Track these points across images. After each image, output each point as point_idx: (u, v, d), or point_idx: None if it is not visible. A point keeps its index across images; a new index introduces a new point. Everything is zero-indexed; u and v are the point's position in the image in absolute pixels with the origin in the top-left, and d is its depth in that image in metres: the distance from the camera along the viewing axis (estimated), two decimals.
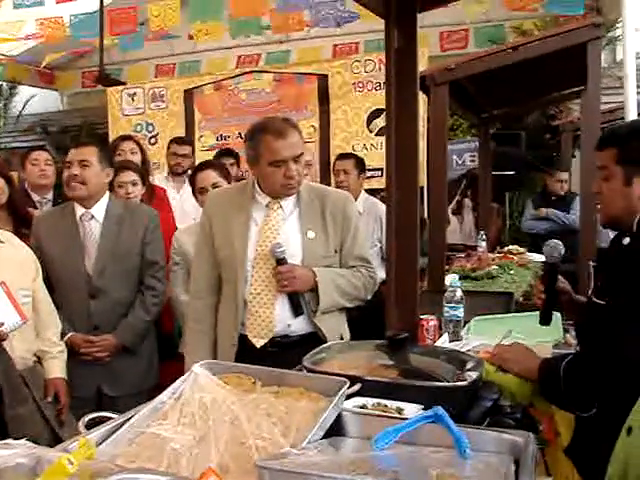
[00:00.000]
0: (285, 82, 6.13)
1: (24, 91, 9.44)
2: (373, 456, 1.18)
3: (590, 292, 1.68)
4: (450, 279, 2.56)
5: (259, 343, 2.24)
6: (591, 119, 3.32)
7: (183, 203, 3.99)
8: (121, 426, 1.28)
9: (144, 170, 3.51)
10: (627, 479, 1.13)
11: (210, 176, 2.95)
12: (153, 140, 6.52)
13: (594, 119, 3.28)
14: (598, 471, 1.24)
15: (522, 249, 4.94)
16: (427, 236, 3.71)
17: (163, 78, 7.75)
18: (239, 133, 6.05)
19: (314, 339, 2.18)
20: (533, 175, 6.95)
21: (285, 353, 2.11)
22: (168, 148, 4.41)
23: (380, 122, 5.55)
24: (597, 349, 1.53)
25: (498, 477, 1.13)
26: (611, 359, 1.47)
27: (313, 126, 5.95)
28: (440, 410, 1.26)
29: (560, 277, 1.86)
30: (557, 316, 2.05)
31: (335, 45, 7.76)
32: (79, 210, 2.73)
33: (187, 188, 3.64)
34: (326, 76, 5.92)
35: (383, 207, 3.23)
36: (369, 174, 4.89)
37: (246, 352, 2.20)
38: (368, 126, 5.77)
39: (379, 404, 1.40)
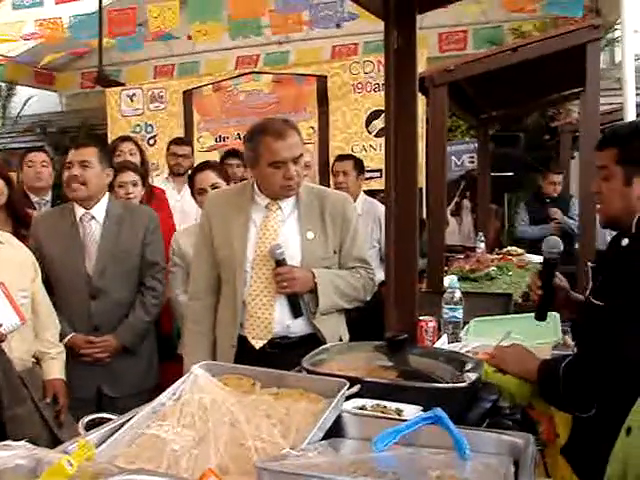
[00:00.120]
0: (284, 83, 6.11)
1: (23, 92, 9.44)
2: (373, 457, 1.18)
3: (588, 293, 1.69)
4: (449, 280, 2.56)
5: (258, 344, 2.24)
6: (590, 120, 3.31)
7: (184, 204, 3.98)
8: (121, 427, 1.28)
9: (143, 171, 3.51)
10: (626, 479, 1.14)
11: (209, 177, 2.95)
12: (152, 141, 6.50)
13: (593, 120, 3.28)
14: (596, 471, 1.24)
15: (521, 250, 4.94)
16: (426, 237, 3.70)
17: (162, 79, 7.76)
18: (238, 134, 6.03)
19: (313, 340, 2.18)
20: (532, 176, 6.95)
21: (284, 354, 2.12)
22: (168, 149, 4.41)
23: (379, 123, 5.53)
24: (596, 350, 1.53)
25: (498, 478, 1.13)
26: (610, 360, 1.47)
27: (312, 127, 5.94)
28: (439, 411, 1.26)
29: (558, 274, 1.86)
30: (556, 317, 2.05)
31: (334, 46, 7.77)
32: (79, 211, 2.73)
33: (187, 189, 3.63)
34: (325, 77, 5.90)
35: (382, 208, 3.24)
36: (368, 175, 4.88)
37: (245, 353, 2.20)
38: (367, 127, 5.75)
39: (378, 405, 1.39)
